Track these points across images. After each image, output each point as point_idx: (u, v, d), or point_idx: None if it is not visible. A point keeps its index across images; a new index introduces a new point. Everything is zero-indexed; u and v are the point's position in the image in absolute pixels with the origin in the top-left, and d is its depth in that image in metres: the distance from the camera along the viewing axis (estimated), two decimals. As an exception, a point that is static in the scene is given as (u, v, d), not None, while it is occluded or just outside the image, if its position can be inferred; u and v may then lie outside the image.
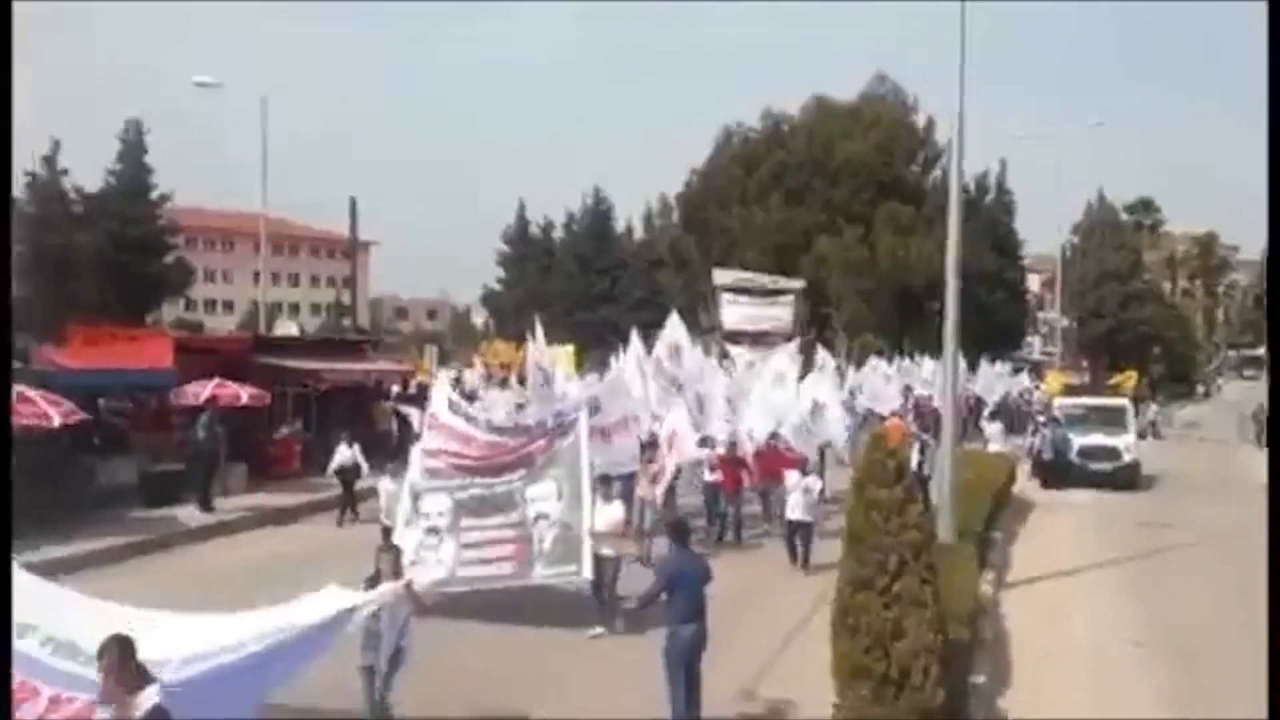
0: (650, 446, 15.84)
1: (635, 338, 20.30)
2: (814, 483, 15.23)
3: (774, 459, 17.54)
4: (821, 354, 27.88)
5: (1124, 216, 71.69)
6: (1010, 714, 9.71)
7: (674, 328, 20.56)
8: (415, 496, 11.59)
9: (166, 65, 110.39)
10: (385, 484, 14.41)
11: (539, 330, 19.74)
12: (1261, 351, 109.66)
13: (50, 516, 14.72)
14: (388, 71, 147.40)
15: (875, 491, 8.80)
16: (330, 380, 22.87)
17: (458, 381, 29.32)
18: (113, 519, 16.17)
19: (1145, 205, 74.39)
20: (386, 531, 12.41)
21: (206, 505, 17.69)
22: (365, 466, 17.67)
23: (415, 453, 12.11)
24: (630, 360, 19.70)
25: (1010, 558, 16.46)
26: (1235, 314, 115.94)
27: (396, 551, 8.57)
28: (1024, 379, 46.72)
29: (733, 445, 17.12)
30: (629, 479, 15.11)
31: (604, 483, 12.51)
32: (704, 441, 17.41)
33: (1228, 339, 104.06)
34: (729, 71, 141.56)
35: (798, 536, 14.85)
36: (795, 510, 14.90)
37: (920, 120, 58.22)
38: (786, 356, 23.05)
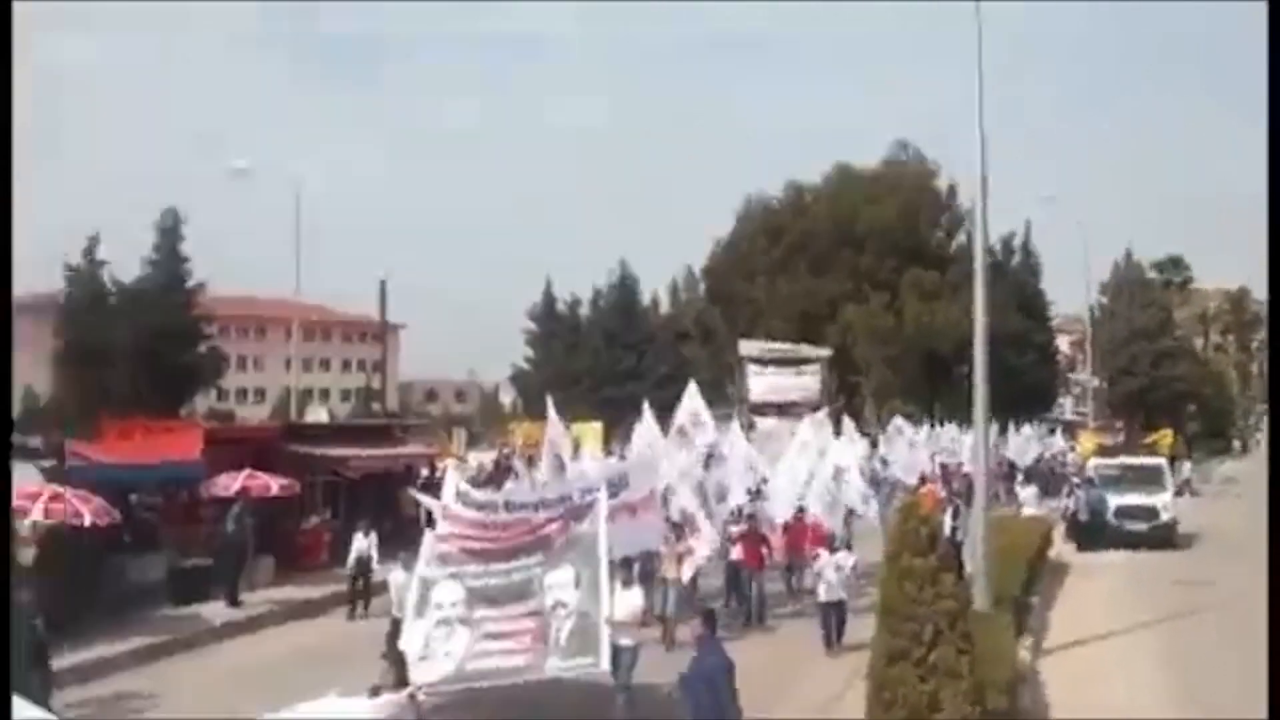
0: (677, 526, 15.48)
1: (648, 413, 20.26)
2: (845, 559, 14.73)
3: (800, 533, 17.17)
4: (846, 422, 27.76)
5: (1152, 274, 71.38)
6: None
7: (691, 397, 20.55)
8: (426, 586, 11.13)
9: (198, 150, 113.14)
10: (396, 575, 13.83)
11: (551, 411, 19.83)
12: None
13: (82, 618, 14.74)
14: (412, 149, 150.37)
15: (909, 560, 8.75)
16: (359, 467, 22.90)
17: (499, 462, 29.32)
18: (140, 619, 16.04)
19: (1174, 263, 74.12)
20: (396, 624, 12.03)
21: (234, 600, 17.55)
22: (375, 557, 17.21)
23: (426, 541, 11.71)
24: (644, 434, 19.64)
25: (1048, 622, 16.16)
26: (1269, 368, 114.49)
27: (399, 657, 8.32)
28: (1058, 440, 46.17)
29: (752, 519, 16.74)
30: (650, 558, 14.83)
31: (624, 566, 12.23)
32: (734, 514, 17.20)
33: (1264, 394, 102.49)
34: (751, 143, 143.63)
35: (831, 616, 14.25)
36: (827, 591, 14.26)
37: (943, 185, 58.72)
38: (812, 424, 22.97)
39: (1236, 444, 71.41)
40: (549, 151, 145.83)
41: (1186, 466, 41.01)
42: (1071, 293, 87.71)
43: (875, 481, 24.83)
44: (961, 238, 55.70)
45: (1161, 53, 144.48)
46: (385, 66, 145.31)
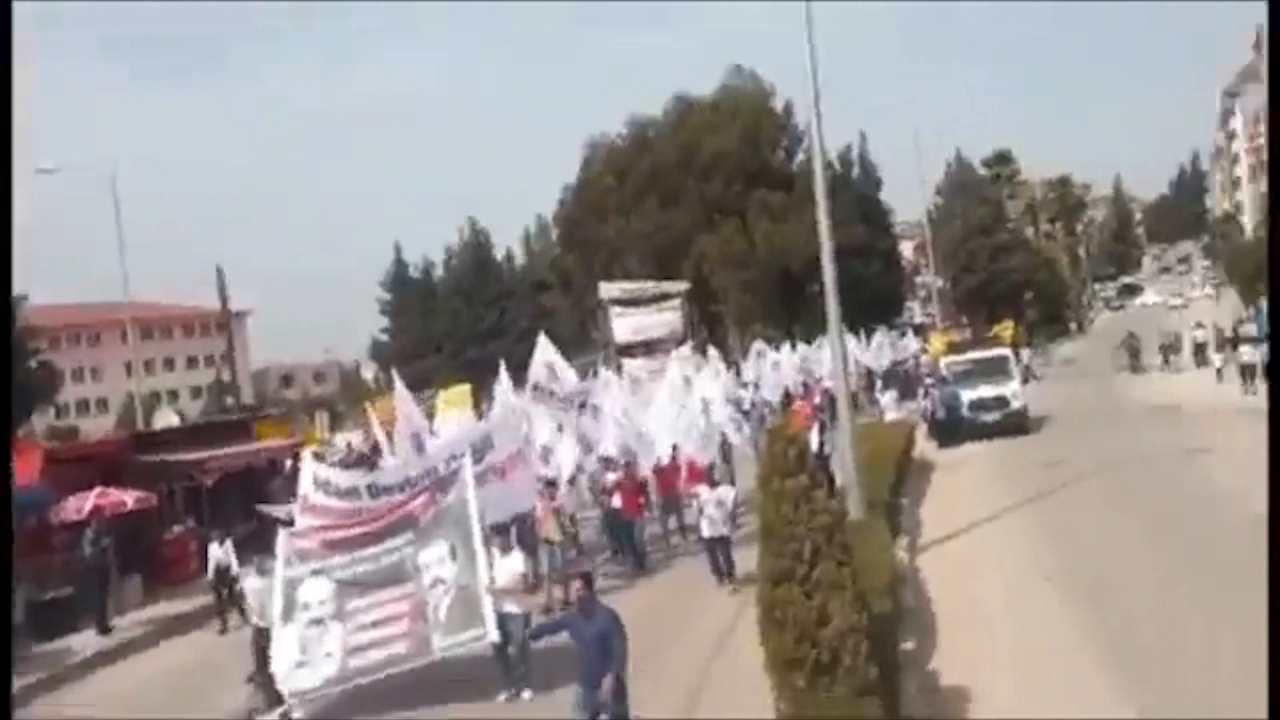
0: (550, 484, 15.03)
1: (503, 371, 19.87)
2: (726, 493, 14.41)
3: (674, 472, 16.91)
4: (710, 353, 28.13)
5: (982, 171, 74.53)
6: (941, 674, 9.91)
7: (543, 348, 19.87)
8: (291, 587, 10.30)
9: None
10: (251, 581, 12.47)
11: (399, 385, 18.87)
12: (1125, 281, 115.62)
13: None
14: (236, 132, 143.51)
15: (781, 483, 8.88)
16: (217, 468, 21.81)
17: (350, 448, 28.38)
18: (2, 663, 15.07)
19: (1001, 158, 77.45)
20: (260, 634, 11.12)
21: (104, 627, 16.56)
22: (235, 564, 15.74)
23: (280, 540, 10.84)
24: (502, 394, 19.20)
25: (920, 520, 16.88)
26: (1096, 249, 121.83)
27: (267, 678, 7.79)
28: (910, 343, 47.95)
29: (629, 465, 16.34)
30: (527, 521, 14.45)
31: (499, 532, 11.91)
32: (604, 463, 17.00)
33: (1092, 273, 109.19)
34: (588, 83, 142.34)
35: (718, 551, 14.02)
36: (710, 526, 13.98)
37: (779, 105, 59.41)
38: (677, 361, 23.11)
39: (1073, 325, 75.87)
40: (383, 118, 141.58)
41: (1025, 353, 43.17)
42: (910, 198, 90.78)
43: (744, 408, 25.26)
44: (802, 156, 56.67)
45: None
46: (200, 57, 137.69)
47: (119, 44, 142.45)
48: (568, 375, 20.08)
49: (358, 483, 12.06)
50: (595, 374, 24.83)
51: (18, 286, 41.38)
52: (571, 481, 16.79)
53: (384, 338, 72.76)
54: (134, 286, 36.88)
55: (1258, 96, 71.51)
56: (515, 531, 13.61)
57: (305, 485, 11.74)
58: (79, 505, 17.77)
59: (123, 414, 60.41)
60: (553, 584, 13.85)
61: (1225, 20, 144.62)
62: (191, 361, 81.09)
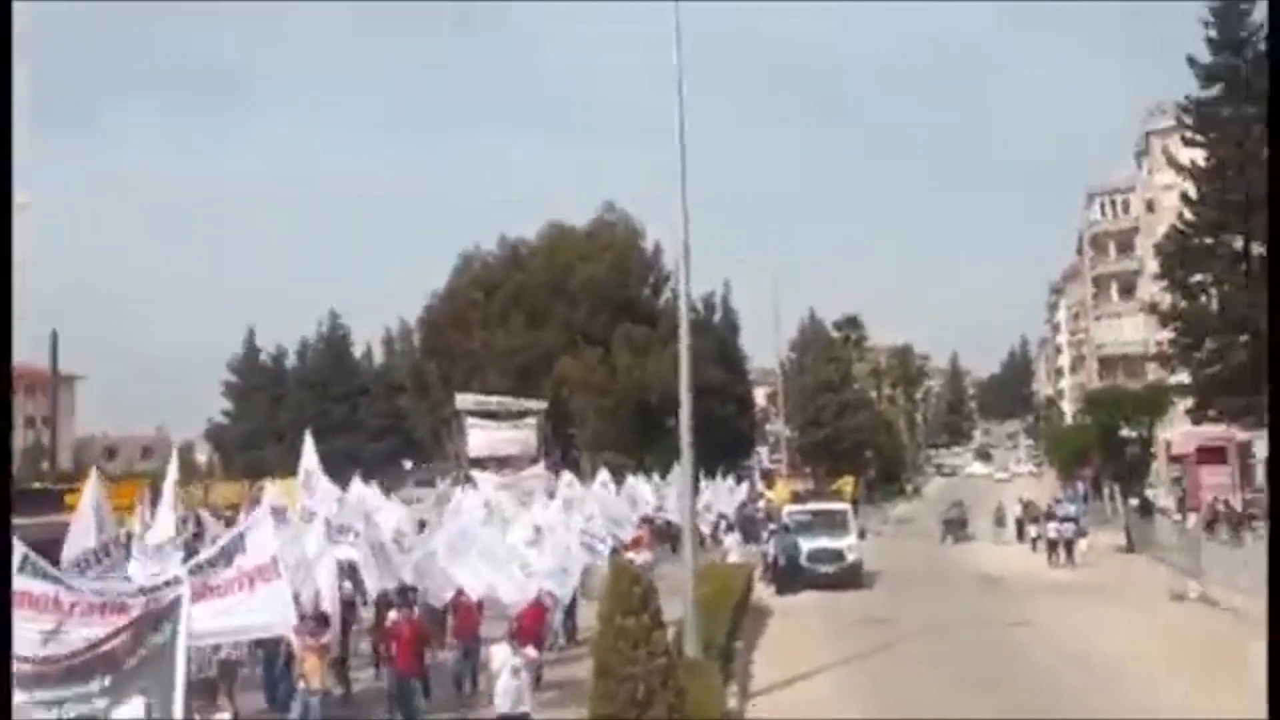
0: (319, 620, 12.25)
1: (310, 464, 17.93)
2: (522, 659, 11.37)
3: (468, 615, 14.55)
4: (564, 476, 27.90)
5: (834, 333, 78.32)
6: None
7: (308, 455, 17.83)
8: None
9: None
10: None
11: (172, 468, 16.97)
12: (954, 451, 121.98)
13: None
14: (93, 191, 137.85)
15: (623, 620, 8.96)
16: (27, 539, 20.21)
17: (191, 522, 26.68)
18: None
19: (851, 321, 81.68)
20: None
21: None
22: None
23: None
24: (271, 495, 16.86)
25: (751, 666, 17.04)
26: (932, 417, 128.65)
27: None
28: (746, 488, 47.70)
29: (405, 601, 13.44)
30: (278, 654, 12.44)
31: (224, 676, 10.22)
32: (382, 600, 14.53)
33: (926, 439, 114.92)
34: (464, 199, 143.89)
35: None
36: (503, 698, 11.07)
37: (649, 245, 61.51)
38: (537, 480, 22.27)
39: (909, 487, 79.19)
40: (253, 203, 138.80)
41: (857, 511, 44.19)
42: (766, 348, 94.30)
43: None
44: (669, 293, 58.49)
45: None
46: (76, 105, 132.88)
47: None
48: (322, 486, 17.61)
49: (70, 580, 9.34)
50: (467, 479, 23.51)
51: None
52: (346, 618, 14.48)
53: (224, 420, 69.69)
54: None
55: (1078, 294, 78.86)
56: (262, 665, 12.00)
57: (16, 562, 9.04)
58: None
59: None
60: None
61: (1056, 218, 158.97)
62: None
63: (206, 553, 10.16)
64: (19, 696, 7.90)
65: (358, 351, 72.25)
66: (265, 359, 70.99)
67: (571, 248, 60.11)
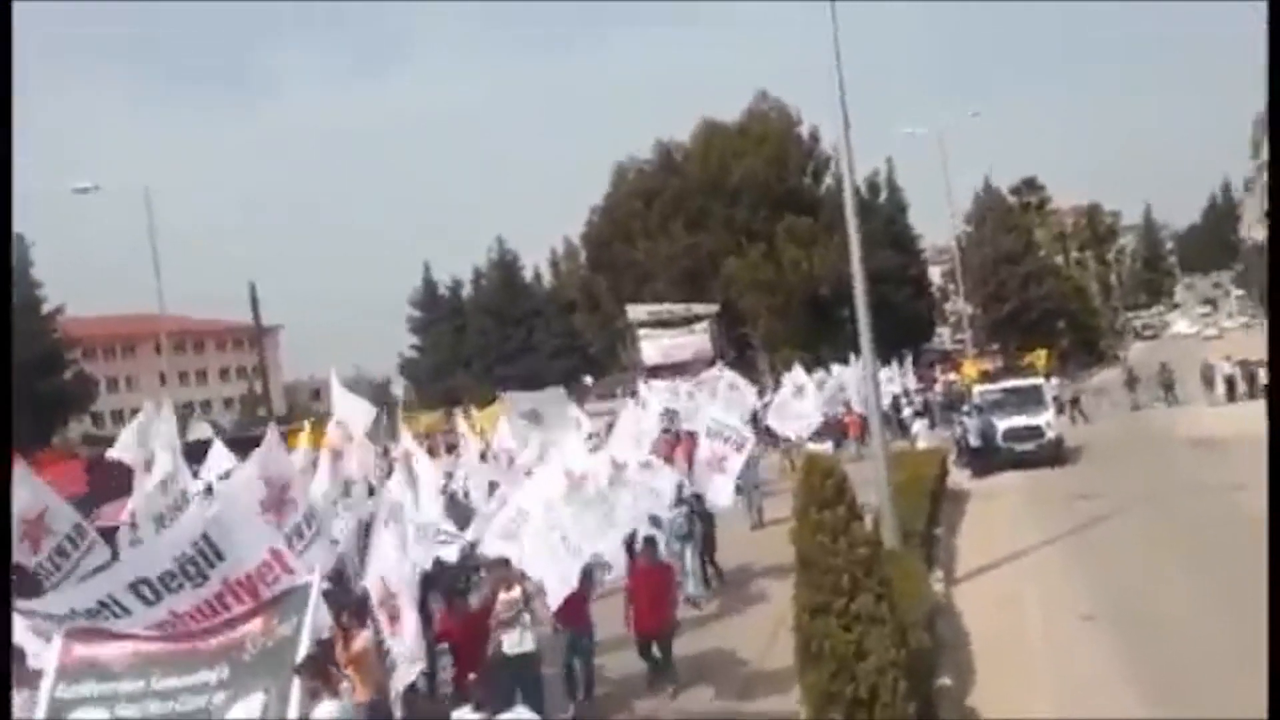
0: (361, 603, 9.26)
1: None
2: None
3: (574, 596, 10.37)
4: (729, 377, 27.05)
5: (1011, 199, 74.20)
6: (980, 710, 9.81)
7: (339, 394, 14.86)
8: (58, 711, 7.12)
9: (42, 175, 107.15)
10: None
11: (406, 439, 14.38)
12: (1155, 311, 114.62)
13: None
14: (269, 151, 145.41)
15: (819, 514, 8.86)
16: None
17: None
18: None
19: (1029, 185, 77.13)
20: None
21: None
22: None
23: (55, 643, 7.31)
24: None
25: (955, 551, 16.73)
26: (1126, 277, 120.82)
27: None
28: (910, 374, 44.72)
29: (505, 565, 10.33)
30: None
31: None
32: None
33: (1124, 301, 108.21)
34: (617, 108, 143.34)
35: None
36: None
37: (805, 131, 59.59)
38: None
39: (1109, 354, 74.97)
40: (415, 140, 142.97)
41: (1054, 382, 42.17)
42: (939, 224, 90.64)
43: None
44: (829, 180, 56.74)
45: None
46: (235, 69, 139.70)
47: (149, 64, 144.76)
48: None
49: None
50: (634, 394, 23.78)
51: (54, 299, 42.45)
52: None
53: (413, 354, 73.20)
54: (168, 301, 37.30)
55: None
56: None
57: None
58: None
59: (155, 424, 61.03)
60: None
61: (1257, 48, 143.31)
62: (224, 374, 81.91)
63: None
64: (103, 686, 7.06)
65: (528, 275, 73.96)
66: (444, 291, 73.73)
67: (726, 144, 58.98)
